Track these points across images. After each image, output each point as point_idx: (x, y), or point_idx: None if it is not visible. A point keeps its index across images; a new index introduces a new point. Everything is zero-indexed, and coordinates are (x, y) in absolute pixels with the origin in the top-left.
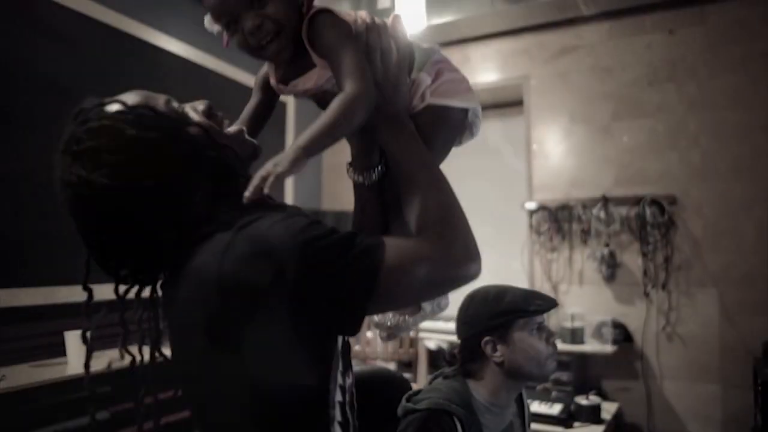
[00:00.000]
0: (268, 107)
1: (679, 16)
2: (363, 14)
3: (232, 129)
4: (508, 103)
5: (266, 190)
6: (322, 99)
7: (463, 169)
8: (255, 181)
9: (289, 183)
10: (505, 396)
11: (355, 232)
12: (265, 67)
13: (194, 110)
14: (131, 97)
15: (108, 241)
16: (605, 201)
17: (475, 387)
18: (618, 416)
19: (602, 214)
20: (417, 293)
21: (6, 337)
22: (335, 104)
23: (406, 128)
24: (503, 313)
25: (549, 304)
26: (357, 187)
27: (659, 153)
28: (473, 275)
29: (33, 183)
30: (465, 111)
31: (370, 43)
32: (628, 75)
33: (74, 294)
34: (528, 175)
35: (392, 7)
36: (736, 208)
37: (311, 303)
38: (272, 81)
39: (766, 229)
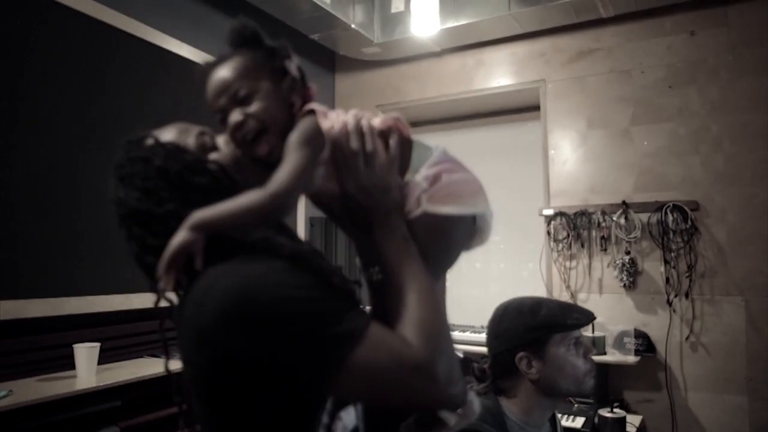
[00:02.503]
0: None
1: (701, 17)
2: (351, 116)
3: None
4: (524, 108)
5: (162, 276)
6: (319, 199)
7: (478, 175)
8: (159, 278)
9: None
10: (540, 415)
11: (345, 308)
12: None
13: (225, 142)
14: (166, 132)
15: (141, 255)
16: (625, 207)
17: (507, 405)
18: (641, 429)
19: (622, 221)
20: (385, 397)
21: (13, 350)
22: (244, 197)
23: (396, 233)
24: (539, 327)
25: (587, 317)
26: (368, 284)
27: (681, 158)
28: (451, 399)
29: (37, 192)
30: (470, 217)
31: (352, 148)
32: (647, 78)
33: (83, 305)
34: (545, 181)
35: (406, 11)
36: (762, 214)
37: (274, 365)
38: None
39: None
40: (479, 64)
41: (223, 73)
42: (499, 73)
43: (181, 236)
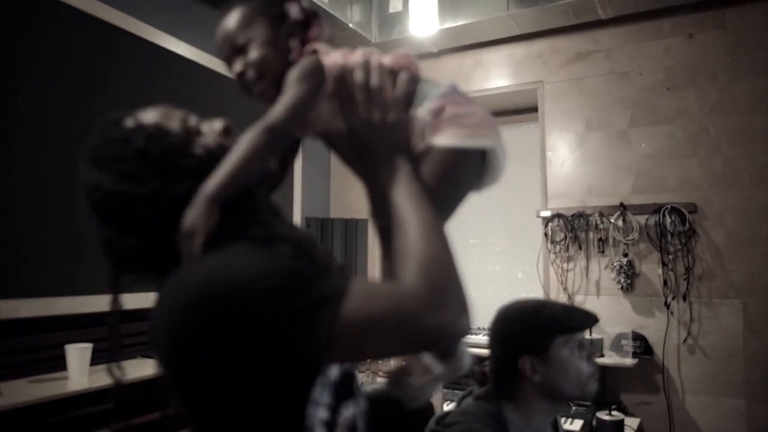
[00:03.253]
0: (292, 146)
1: (699, 19)
2: (359, 53)
3: None
4: (521, 109)
5: (195, 251)
6: (327, 137)
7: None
8: (183, 248)
9: (298, 191)
10: (542, 418)
11: (316, 274)
12: None
13: (210, 129)
14: (148, 115)
15: (115, 243)
16: (623, 209)
17: (509, 409)
18: None
19: (620, 223)
20: (386, 346)
21: (3, 351)
22: (242, 140)
23: (401, 170)
24: (543, 330)
25: (591, 319)
26: (378, 231)
27: (679, 160)
28: (461, 329)
29: (32, 190)
30: (477, 151)
31: (356, 81)
32: (645, 80)
33: (76, 305)
34: (542, 183)
35: (404, 11)
36: (760, 216)
37: (258, 351)
38: None
39: None
40: (477, 64)
41: (224, 24)
42: (496, 74)
43: (196, 211)
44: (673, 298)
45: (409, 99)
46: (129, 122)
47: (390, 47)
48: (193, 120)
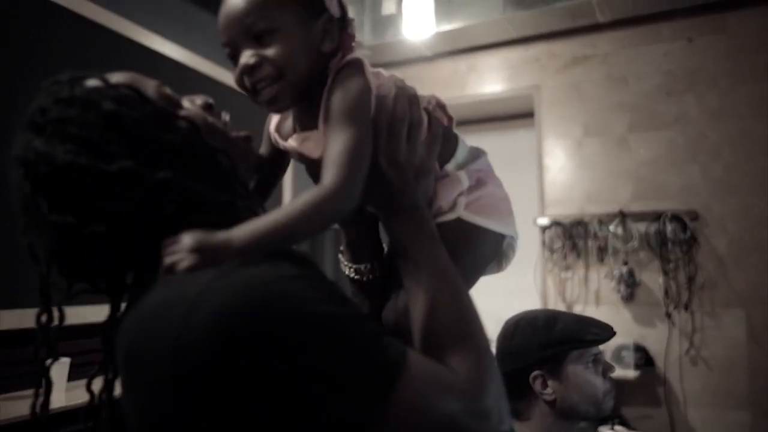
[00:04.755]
0: (280, 162)
1: (698, 23)
2: (390, 78)
3: (234, 134)
4: (517, 114)
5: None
6: (313, 168)
7: None
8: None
9: (287, 192)
10: None
11: (379, 329)
12: None
13: (190, 102)
14: (116, 76)
15: (61, 237)
16: (623, 216)
17: (521, 428)
18: None
19: (620, 231)
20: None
21: None
22: (303, 198)
23: (425, 226)
24: (556, 344)
25: (607, 332)
26: (351, 282)
27: (679, 166)
28: (490, 413)
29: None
30: (501, 237)
31: (397, 112)
32: (644, 85)
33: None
34: (540, 190)
35: (398, 13)
36: (762, 224)
37: (293, 400)
38: (271, 125)
39: None
40: (472, 69)
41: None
42: (492, 79)
43: (212, 251)
44: (675, 308)
45: (444, 150)
46: (93, 81)
47: (383, 50)
48: (168, 89)
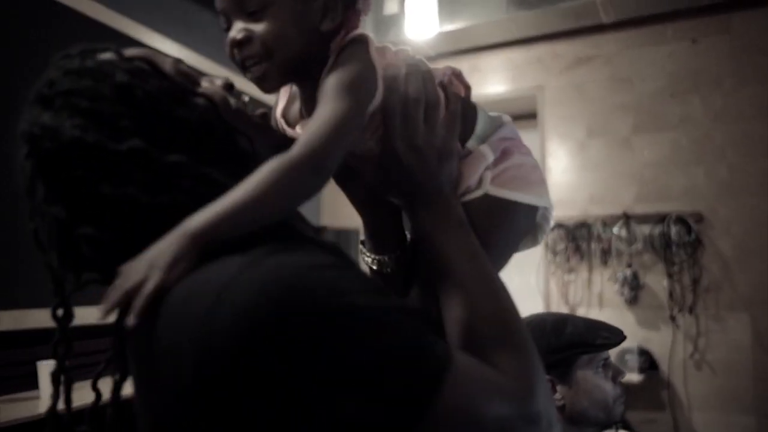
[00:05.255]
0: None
1: (703, 24)
2: (402, 54)
3: (257, 113)
4: (520, 115)
5: (132, 319)
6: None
7: None
8: (112, 296)
9: None
10: None
11: (425, 326)
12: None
13: (210, 82)
14: (131, 50)
15: (70, 220)
16: (627, 218)
17: None
18: None
19: (623, 233)
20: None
21: None
22: (263, 170)
23: (451, 212)
24: (565, 348)
25: (617, 336)
26: (372, 275)
27: (684, 167)
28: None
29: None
30: (534, 209)
31: (411, 92)
32: (648, 86)
33: (49, 318)
34: None
35: (400, 13)
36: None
37: (331, 401)
38: (278, 110)
39: None
40: (474, 69)
41: None
42: (494, 79)
43: (170, 256)
44: (679, 311)
45: (466, 127)
46: (106, 54)
47: None
48: (186, 67)
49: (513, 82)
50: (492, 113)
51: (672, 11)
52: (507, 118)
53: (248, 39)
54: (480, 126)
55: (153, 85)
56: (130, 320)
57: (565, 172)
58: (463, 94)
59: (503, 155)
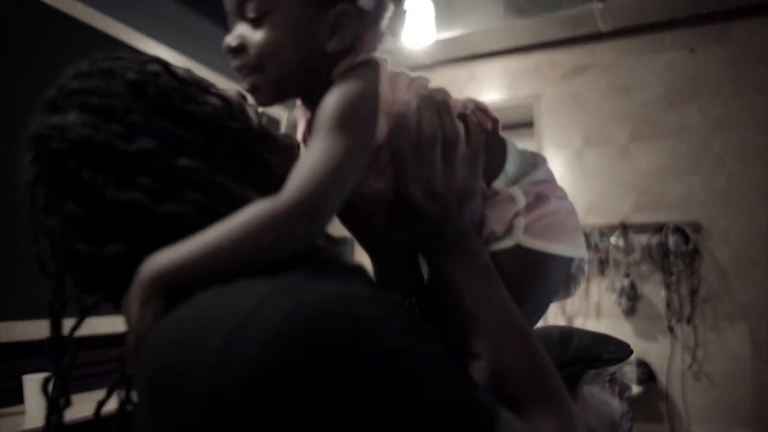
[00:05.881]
0: None
1: (701, 33)
2: (423, 81)
3: (282, 132)
4: (517, 123)
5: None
6: (348, 204)
7: None
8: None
9: None
10: None
11: (471, 377)
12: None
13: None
14: (143, 55)
15: (64, 235)
16: (624, 228)
17: None
18: None
19: (621, 243)
20: None
21: None
22: (248, 213)
23: (477, 259)
24: (571, 363)
25: (624, 351)
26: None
27: (682, 177)
28: None
29: None
30: (569, 260)
31: (425, 129)
32: (646, 95)
33: (36, 330)
34: None
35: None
36: (766, 236)
37: None
38: (299, 134)
39: None
40: (471, 77)
41: None
42: (491, 88)
43: (136, 302)
44: (677, 322)
45: (492, 164)
46: (119, 56)
47: None
48: (197, 75)
49: (510, 91)
50: (526, 150)
51: (669, 20)
52: (542, 157)
53: (242, 47)
54: (511, 164)
55: (166, 82)
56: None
57: (562, 182)
58: (489, 127)
59: (538, 200)
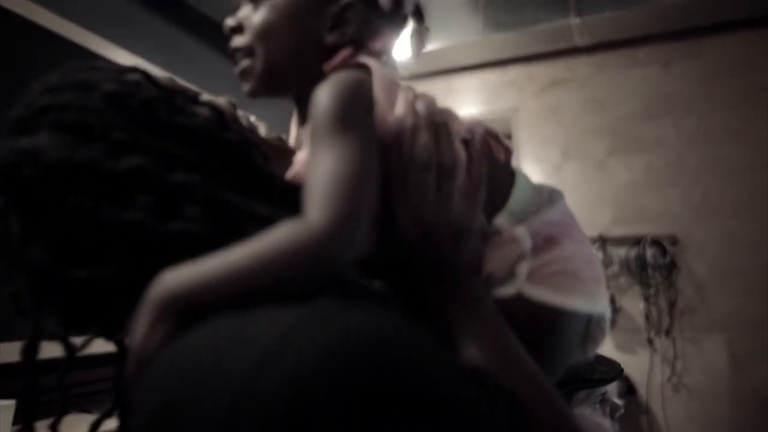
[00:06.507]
0: None
1: (675, 48)
2: (426, 99)
3: (272, 136)
4: None
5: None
6: None
7: None
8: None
9: None
10: None
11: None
12: None
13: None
14: (118, 65)
15: (55, 265)
16: (602, 241)
17: None
18: None
19: (600, 255)
20: None
21: None
22: (275, 236)
23: (480, 307)
24: (561, 384)
25: (615, 370)
26: None
27: (659, 190)
28: None
29: None
30: (585, 316)
31: (419, 153)
32: (622, 109)
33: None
34: None
35: None
36: (742, 248)
37: None
38: (292, 133)
39: None
40: (448, 91)
41: None
42: (469, 101)
43: (143, 328)
44: (656, 334)
45: (496, 197)
46: (97, 65)
47: None
48: (181, 84)
49: (488, 104)
50: (542, 185)
51: (644, 36)
52: (560, 192)
53: (239, 27)
54: (519, 199)
55: (148, 93)
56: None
57: None
58: (501, 157)
59: (547, 243)
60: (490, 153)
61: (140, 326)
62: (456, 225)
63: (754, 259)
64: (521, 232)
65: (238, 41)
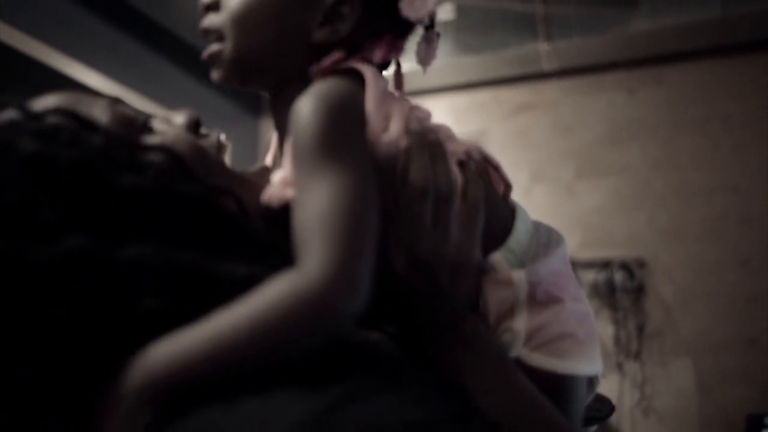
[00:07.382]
0: None
1: (638, 75)
2: (421, 114)
3: (255, 168)
4: None
5: None
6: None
7: None
8: None
9: None
10: None
11: None
12: None
13: (166, 122)
14: (44, 101)
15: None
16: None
17: None
18: None
19: None
20: None
21: None
22: (264, 295)
23: (484, 346)
24: None
25: (608, 408)
26: None
27: (626, 214)
28: None
29: None
30: (582, 378)
31: (413, 179)
32: (589, 133)
33: None
34: None
35: None
36: (708, 272)
37: None
38: (271, 149)
39: (739, 293)
40: None
41: None
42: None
43: (126, 410)
44: (626, 358)
45: (494, 230)
46: (10, 113)
47: None
48: (130, 110)
49: (456, 127)
50: (540, 224)
51: (610, 62)
52: (558, 235)
53: (215, 5)
54: (519, 239)
55: (80, 147)
56: None
57: None
58: (500, 191)
59: (549, 300)
60: (489, 182)
61: (110, 424)
62: (453, 257)
63: (720, 282)
64: (519, 277)
65: (211, 20)
